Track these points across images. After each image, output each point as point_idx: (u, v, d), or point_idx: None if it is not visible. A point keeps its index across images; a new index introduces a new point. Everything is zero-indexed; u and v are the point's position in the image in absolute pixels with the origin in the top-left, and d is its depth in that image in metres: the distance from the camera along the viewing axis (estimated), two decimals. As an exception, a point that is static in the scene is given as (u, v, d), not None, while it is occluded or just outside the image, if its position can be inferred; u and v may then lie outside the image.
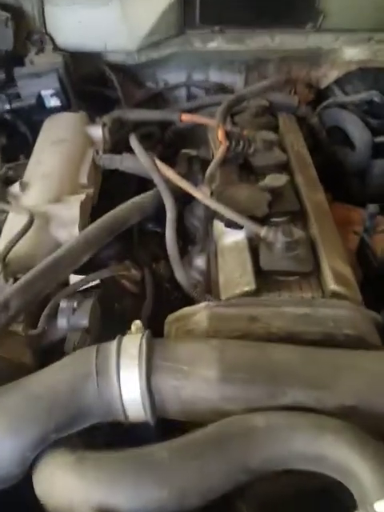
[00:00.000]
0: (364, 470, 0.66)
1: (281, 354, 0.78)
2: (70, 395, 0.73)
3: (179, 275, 1.02)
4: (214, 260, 1.10)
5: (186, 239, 1.30)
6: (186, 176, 1.27)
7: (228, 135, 1.21)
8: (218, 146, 1.20)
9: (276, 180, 1.14)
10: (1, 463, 0.72)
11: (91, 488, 0.68)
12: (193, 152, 1.35)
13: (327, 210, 1.19)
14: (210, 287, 1.07)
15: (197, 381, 0.74)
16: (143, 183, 1.30)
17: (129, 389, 0.74)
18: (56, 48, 1.60)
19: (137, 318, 1.05)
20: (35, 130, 1.43)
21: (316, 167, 1.73)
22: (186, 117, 1.38)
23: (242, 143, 1.20)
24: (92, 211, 1.18)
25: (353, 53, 1.74)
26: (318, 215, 1.15)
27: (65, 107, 1.49)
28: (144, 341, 0.78)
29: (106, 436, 0.83)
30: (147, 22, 1.59)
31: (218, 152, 1.18)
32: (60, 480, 0.70)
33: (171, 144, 1.58)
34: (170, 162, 1.43)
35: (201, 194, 1.06)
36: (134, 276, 1.07)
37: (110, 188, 1.28)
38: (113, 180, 1.31)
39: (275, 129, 1.49)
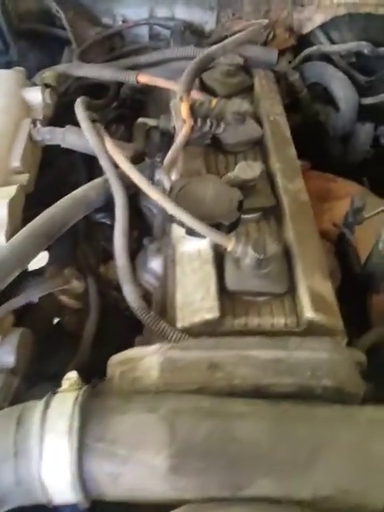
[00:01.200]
0: None
1: (246, 429, 0.65)
2: None
3: (128, 294, 0.86)
4: (171, 267, 0.94)
5: (141, 226, 1.12)
6: (141, 154, 1.08)
7: (193, 111, 1.00)
8: (181, 121, 1.00)
9: (248, 170, 0.96)
10: None
11: None
12: (151, 121, 1.14)
13: (305, 201, 1.02)
14: (164, 302, 0.91)
15: (139, 468, 0.61)
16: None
17: (54, 475, 0.61)
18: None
19: (79, 337, 0.91)
20: None
21: (293, 128, 1.56)
22: (143, 78, 1.15)
23: (209, 121, 1.00)
24: (29, 202, 0.98)
25: (342, -6, 1.49)
26: (296, 212, 0.98)
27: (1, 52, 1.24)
28: (77, 410, 0.63)
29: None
30: None
31: (180, 134, 0.98)
32: None
33: (130, 101, 1.35)
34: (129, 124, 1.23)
35: (156, 194, 0.88)
36: (75, 288, 0.90)
37: (58, 170, 1.07)
38: (61, 159, 1.10)
39: (249, 90, 1.27)
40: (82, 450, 0.61)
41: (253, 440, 0.63)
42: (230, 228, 0.90)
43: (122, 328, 0.90)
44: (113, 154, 0.97)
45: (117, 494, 0.63)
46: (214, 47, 1.12)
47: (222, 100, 1.11)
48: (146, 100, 1.35)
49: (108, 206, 1.00)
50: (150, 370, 0.73)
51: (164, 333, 0.82)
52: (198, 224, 0.85)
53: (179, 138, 0.98)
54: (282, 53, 1.58)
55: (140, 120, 1.15)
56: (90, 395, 0.67)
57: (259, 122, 1.17)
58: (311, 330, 0.85)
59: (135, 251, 1.07)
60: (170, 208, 0.86)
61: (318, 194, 1.53)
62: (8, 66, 1.26)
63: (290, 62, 1.53)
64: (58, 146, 1.08)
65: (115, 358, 0.77)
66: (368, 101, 1.43)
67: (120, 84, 1.35)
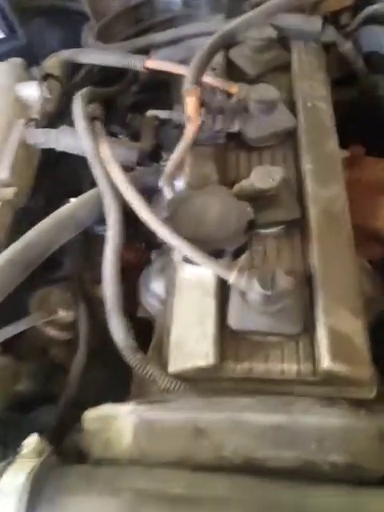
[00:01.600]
0: None
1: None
2: None
3: (115, 328, 0.76)
4: (171, 293, 0.83)
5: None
6: (150, 155, 0.97)
7: (202, 105, 0.87)
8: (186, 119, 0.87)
9: (265, 178, 0.82)
10: None
11: None
12: (163, 113, 1.01)
13: (340, 212, 0.86)
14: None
15: None
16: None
17: None
18: None
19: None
20: None
21: (348, 104, 1.37)
22: (152, 63, 1.02)
23: (221, 118, 0.86)
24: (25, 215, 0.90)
25: None
26: (325, 227, 0.83)
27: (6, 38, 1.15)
28: (27, 489, 0.56)
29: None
30: None
31: (185, 135, 0.85)
32: None
33: (152, 84, 1.23)
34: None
35: (147, 214, 0.76)
36: (63, 319, 0.82)
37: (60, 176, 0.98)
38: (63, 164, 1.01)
39: (286, 68, 1.11)
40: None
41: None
42: (235, 254, 0.77)
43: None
44: (106, 161, 0.86)
45: None
46: (234, 22, 0.97)
47: (246, 86, 0.96)
48: (171, 82, 1.21)
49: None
50: (123, 434, 0.64)
51: (153, 378, 0.73)
52: (195, 252, 0.73)
53: (183, 141, 0.85)
54: (337, 14, 1.40)
55: (150, 113, 1.02)
56: (47, 469, 0.59)
57: (294, 108, 1.02)
58: (330, 381, 0.72)
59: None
60: (162, 232, 0.75)
61: (375, 185, 1.35)
62: (20, 52, 1.17)
63: (345, 27, 1.34)
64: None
65: (90, 414, 0.68)
66: None
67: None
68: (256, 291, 0.70)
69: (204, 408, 0.64)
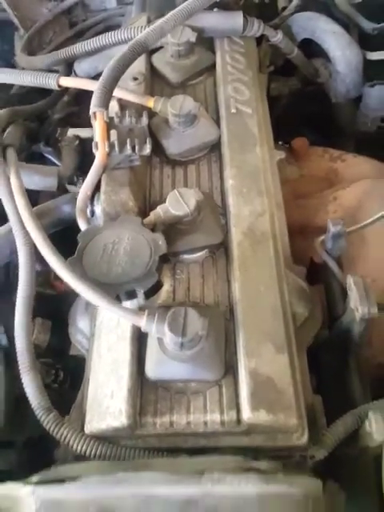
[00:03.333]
0: None
1: None
2: None
3: (28, 386, 0.66)
4: (92, 335, 0.72)
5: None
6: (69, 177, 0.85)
7: (111, 127, 0.74)
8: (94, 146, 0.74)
9: (179, 203, 0.70)
10: None
11: None
12: (83, 132, 0.88)
13: (264, 233, 0.74)
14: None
15: None
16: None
17: None
18: None
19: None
20: None
21: (291, 94, 1.23)
22: (65, 81, 0.88)
23: (129, 141, 0.73)
24: None
25: None
26: (248, 251, 0.72)
27: None
28: None
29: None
30: None
31: (93, 165, 0.73)
32: None
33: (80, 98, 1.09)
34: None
35: (53, 260, 0.65)
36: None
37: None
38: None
39: (212, 69, 0.97)
40: None
41: None
42: (148, 294, 0.66)
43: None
44: (16, 197, 0.74)
45: None
46: (147, 31, 0.82)
47: (161, 100, 0.83)
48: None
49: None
50: (27, 516, 0.54)
51: (67, 441, 0.62)
52: (100, 298, 0.62)
53: (92, 168, 0.73)
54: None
55: (70, 132, 0.89)
56: None
57: (218, 116, 0.89)
58: (256, 430, 0.62)
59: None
60: (66, 276, 0.63)
61: (320, 177, 1.22)
62: None
63: (281, 11, 1.19)
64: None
65: (-4, 491, 0.58)
66: (376, 56, 1.07)
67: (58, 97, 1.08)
68: (168, 337, 0.59)
69: (111, 484, 0.54)
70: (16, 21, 1.18)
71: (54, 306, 0.89)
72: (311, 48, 1.17)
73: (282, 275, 0.73)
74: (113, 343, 0.67)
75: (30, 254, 0.71)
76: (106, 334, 0.69)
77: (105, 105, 0.74)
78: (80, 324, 0.78)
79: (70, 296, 0.82)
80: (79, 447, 0.61)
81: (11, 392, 0.77)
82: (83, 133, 0.89)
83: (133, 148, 0.73)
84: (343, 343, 0.75)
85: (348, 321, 0.70)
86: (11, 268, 0.85)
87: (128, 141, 0.73)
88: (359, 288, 0.66)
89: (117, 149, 0.73)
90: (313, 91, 1.22)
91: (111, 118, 0.75)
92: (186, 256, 0.74)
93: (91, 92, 0.78)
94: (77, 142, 0.88)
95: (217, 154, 0.86)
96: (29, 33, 1.19)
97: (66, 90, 1.10)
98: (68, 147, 0.88)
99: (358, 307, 0.65)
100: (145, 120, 0.76)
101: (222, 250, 0.75)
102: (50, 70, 1.01)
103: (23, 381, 0.67)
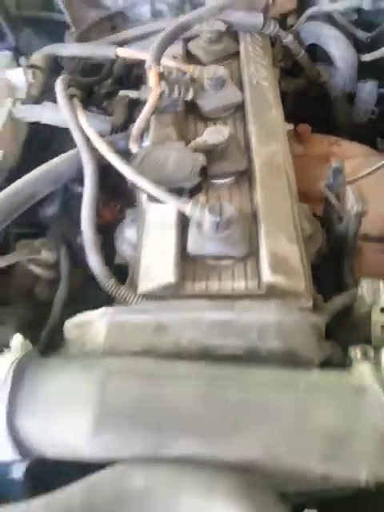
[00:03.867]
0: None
1: (177, 391, 0.61)
2: None
3: (92, 262, 0.84)
4: (141, 235, 0.91)
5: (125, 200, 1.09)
6: (121, 127, 1.05)
7: (162, 78, 0.95)
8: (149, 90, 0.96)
9: (216, 135, 0.91)
10: None
11: None
12: (133, 93, 1.10)
13: (280, 166, 0.95)
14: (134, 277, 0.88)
15: (66, 426, 0.60)
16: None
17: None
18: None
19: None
20: None
21: (298, 92, 1.47)
22: (122, 51, 1.11)
23: (177, 88, 0.95)
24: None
25: None
26: (267, 176, 0.92)
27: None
28: (12, 369, 0.62)
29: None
30: None
31: (148, 102, 0.94)
32: None
33: (121, 79, 1.32)
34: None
35: (116, 160, 0.85)
36: (46, 259, 0.89)
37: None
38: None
39: (236, 55, 1.20)
40: (13, 408, 0.60)
41: (181, 401, 0.60)
42: (192, 193, 0.86)
43: (100, 297, 0.87)
44: (84, 127, 0.94)
45: (51, 453, 0.62)
46: (188, 16, 1.06)
47: (199, 67, 1.05)
48: (140, 74, 1.30)
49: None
50: (97, 333, 0.71)
51: (124, 299, 0.80)
52: (156, 189, 0.81)
53: (147, 106, 0.94)
54: (285, 16, 1.51)
55: (121, 92, 1.11)
56: (30, 357, 0.66)
57: (242, 87, 1.11)
58: (273, 293, 0.80)
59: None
60: (128, 173, 0.83)
61: (320, 157, 1.44)
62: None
63: (292, 27, 1.45)
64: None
65: (70, 322, 0.75)
66: (368, 57, 1.32)
67: (113, 61, 1.31)
68: (207, 219, 0.78)
69: (163, 310, 0.72)
70: (70, 20, 1.42)
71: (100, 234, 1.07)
72: (316, 54, 1.43)
73: (293, 197, 0.93)
74: (160, 235, 0.86)
75: (95, 168, 0.91)
76: (155, 229, 0.87)
77: (157, 61, 0.96)
78: (127, 233, 0.96)
79: (114, 225, 1.01)
80: (134, 302, 0.79)
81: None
82: (132, 94, 1.10)
83: (179, 93, 0.95)
84: (339, 252, 0.94)
85: (344, 224, 0.90)
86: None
87: (176, 87, 0.95)
88: (355, 194, 0.87)
89: (167, 92, 0.94)
90: (315, 90, 1.47)
91: (162, 73, 0.97)
92: (216, 180, 0.94)
93: (138, 72, 1.00)
94: (127, 99, 1.09)
95: (241, 114, 1.08)
96: (79, 30, 1.43)
97: (109, 73, 1.34)
98: (119, 103, 1.09)
99: (354, 205, 0.85)
100: (187, 75, 0.98)
101: (245, 178, 0.95)
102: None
103: (89, 260, 0.85)
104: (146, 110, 0.93)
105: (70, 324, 0.75)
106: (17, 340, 0.67)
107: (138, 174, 0.83)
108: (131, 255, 0.96)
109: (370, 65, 1.34)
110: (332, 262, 0.97)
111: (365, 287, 0.79)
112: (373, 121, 1.40)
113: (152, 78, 0.94)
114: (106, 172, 0.97)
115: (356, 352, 0.69)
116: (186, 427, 0.59)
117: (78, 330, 0.74)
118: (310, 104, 1.50)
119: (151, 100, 0.93)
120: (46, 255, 0.88)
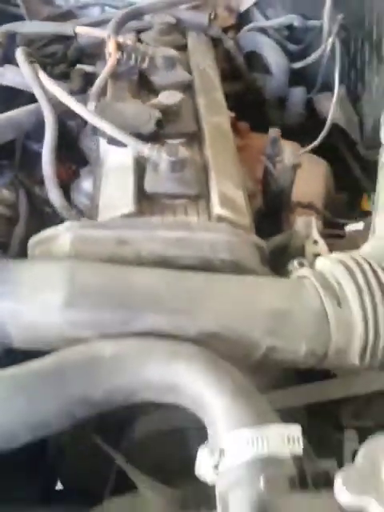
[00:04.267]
0: (215, 399, 0.58)
1: (141, 276, 0.68)
2: None
3: (53, 195, 0.89)
4: (98, 182, 0.98)
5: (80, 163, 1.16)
6: (77, 93, 1.13)
7: (119, 47, 1.06)
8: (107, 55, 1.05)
9: (170, 97, 1.01)
10: None
11: None
12: (88, 68, 1.19)
13: (227, 132, 1.07)
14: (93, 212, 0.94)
15: (38, 305, 0.64)
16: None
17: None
18: None
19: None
20: None
21: (235, 95, 1.62)
22: (80, 29, 1.21)
23: (134, 56, 1.05)
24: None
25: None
26: (215, 138, 1.03)
27: None
28: None
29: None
30: None
31: (106, 65, 1.03)
32: None
33: (75, 62, 1.40)
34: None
35: (81, 109, 0.92)
36: (5, 198, 0.93)
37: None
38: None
39: (183, 48, 1.34)
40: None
41: (147, 283, 0.67)
42: (148, 139, 0.94)
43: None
44: (44, 82, 1.01)
45: (20, 335, 0.65)
46: (144, 2, 1.19)
47: (152, 47, 1.17)
48: (97, 54, 1.40)
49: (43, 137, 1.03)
50: (62, 246, 0.76)
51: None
52: (117, 131, 0.89)
53: (106, 68, 1.03)
54: (225, 31, 1.68)
55: (78, 66, 1.20)
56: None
57: (190, 71, 1.24)
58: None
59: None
60: (91, 118, 0.90)
61: (258, 151, 1.59)
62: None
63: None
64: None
65: (33, 239, 0.80)
66: (297, 65, 1.50)
67: (67, 47, 1.40)
68: (164, 159, 0.87)
69: (124, 226, 0.78)
70: (25, 13, 1.50)
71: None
72: (252, 62, 1.60)
73: (238, 158, 1.04)
74: (119, 176, 0.92)
75: (55, 119, 0.98)
76: (113, 173, 0.94)
77: (116, 33, 1.07)
78: (84, 185, 1.03)
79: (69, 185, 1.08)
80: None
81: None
82: (88, 68, 1.19)
83: (135, 61, 1.05)
84: (276, 208, 1.06)
85: (281, 178, 1.02)
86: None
87: (132, 55, 1.05)
88: (289, 151, 1.00)
89: (124, 59, 1.04)
90: (253, 94, 1.63)
91: (120, 43, 1.07)
92: (169, 140, 1.04)
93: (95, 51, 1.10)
94: (83, 71, 1.18)
95: (190, 93, 1.20)
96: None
97: (65, 55, 1.42)
98: (76, 72, 1.18)
99: (289, 158, 0.98)
100: (144, 46, 1.09)
101: (196, 141, 1.05)
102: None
103: (50, 195, 0.90)
104: (105, 71, 1.02)
105: (33, 241, 0.79)
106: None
107: (99, 117, 0.91)
108: (86, 206, 1.03)
109: (298, 72, 1.52)
110: (269, 220, 1.09)
111: (299, 223, 0.90)
112: (302, 123, 1.58)
113: (111, 45, 1.04)
114: (62, 135, 1.05)
115: (294, 264, 0.79)
116: (151, 304, 0.65)
117: (43, 246, 0.78)
118: (247, 107, 1.66)
119: (110, 62, 1.03)
120: (6, 194, 0.93)
